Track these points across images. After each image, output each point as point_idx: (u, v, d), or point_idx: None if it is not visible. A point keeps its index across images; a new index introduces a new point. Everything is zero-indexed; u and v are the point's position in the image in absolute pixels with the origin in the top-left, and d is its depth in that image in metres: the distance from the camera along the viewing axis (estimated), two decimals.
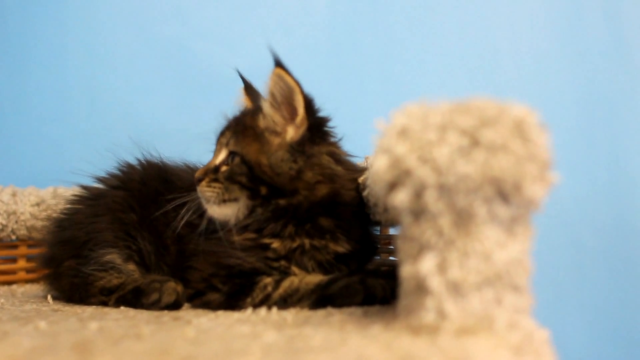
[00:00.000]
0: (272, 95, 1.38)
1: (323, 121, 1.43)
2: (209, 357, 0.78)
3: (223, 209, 1.41)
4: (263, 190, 1.37)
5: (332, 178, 1.38)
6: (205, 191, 1.41)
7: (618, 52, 2.32)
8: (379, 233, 1.56)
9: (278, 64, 1.34)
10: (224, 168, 1.42)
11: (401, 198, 0.84)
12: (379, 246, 1.53)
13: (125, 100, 2.49)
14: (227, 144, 1.44)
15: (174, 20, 2.52)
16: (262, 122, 1.40)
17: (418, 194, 0.83)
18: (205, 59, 2.46)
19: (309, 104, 1.38)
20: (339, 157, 1.43)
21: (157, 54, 2.51)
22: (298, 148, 1.37)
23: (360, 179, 1.43)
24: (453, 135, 0.82)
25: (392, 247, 1.58)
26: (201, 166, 1.63)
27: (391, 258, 1.59)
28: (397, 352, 0.77)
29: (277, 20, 2.51)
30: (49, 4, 2.51)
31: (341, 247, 1.38)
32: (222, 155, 1.44)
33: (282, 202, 1.37)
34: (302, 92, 1.36)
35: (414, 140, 0.84)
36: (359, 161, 1.51)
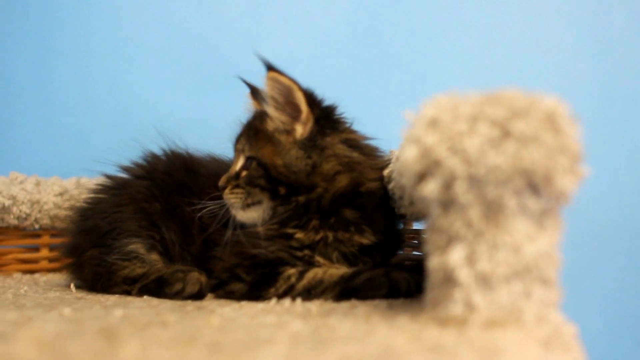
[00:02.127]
0: (273, 98, 1.39)
1: (330, 111, 1.44)
2: (236, 344, 0.77)
3: (248, 213, 1.42)
4: (282, 190, 1.38)
5: (351, 166, 1.38)
6: (230, 198, 1.42)
7: None
8: (403, 227, 1.55)
9: (270, 67, 1.35)
10: (244, 173, 1.43)
11: (431, 189, 0.84)
12: (403, 240, 1.53)
13: (148, 93, 2.49)
14: (242, 150, 1.46)
15: (196, 13, 2.51)
16: (270, 125, 1.41)
17: (448, 184, 0.83)
18: (227, 52, 2.46)
19: (310, 98, 1.38)
20: (355, 143, 1.43)
21: (180, 47, 2.51)
22: (309, 143, 1.38)
23: (386, 172, 1.42)
24: (484, 126, 0.82)
25: (416, 241, 1.58)
26: (226, 158, 1.63)
27: (415, 252, 1.59)
28: (425, 343, 0.76)
29: (298, 14, 2.51)
30: None
31: (366, 239, 1.38)
32: (241, 161, 1.46)
33: (301, 198, 1.37)
34: (300, 89, 1.36)
35: (444, 130, 0.83)
36: (379, 144, 1.51)
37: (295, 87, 1.35)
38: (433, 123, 0.85)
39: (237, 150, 1.48)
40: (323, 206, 1.37)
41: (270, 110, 1.40)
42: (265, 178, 1.39)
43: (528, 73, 2.32)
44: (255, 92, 1.58)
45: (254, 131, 1.44)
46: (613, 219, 2.23)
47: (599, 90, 2.28)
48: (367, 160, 1.42)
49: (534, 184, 0.81)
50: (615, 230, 2.24)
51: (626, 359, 2.18)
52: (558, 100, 0.84)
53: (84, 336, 0.82)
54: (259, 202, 1.41)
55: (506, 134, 0.81)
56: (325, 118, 1.41)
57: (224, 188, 1.44)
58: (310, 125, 1.38)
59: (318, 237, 1.37)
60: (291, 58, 2.44)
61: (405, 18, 2.46)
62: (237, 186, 1.42)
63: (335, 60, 2.45)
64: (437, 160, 0.82)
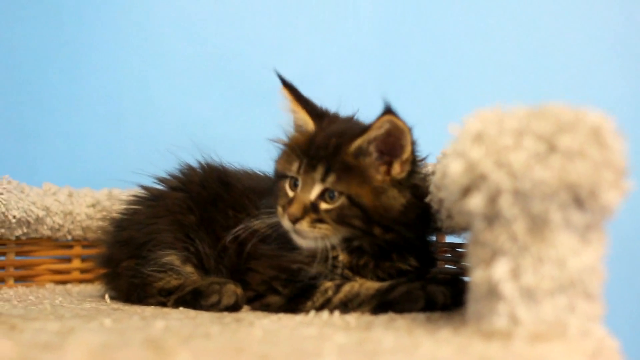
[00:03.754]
0: (377, 137, 1.32)
1: (416, 147, 1.39)
2: (284, 356, 0.78)
3: (318, 243, 1.36)
4: (377, 231, 1.34)
5: (422, 198, 1.35)
6: (309, 232, 1.34)
7: None
8: (436, 239, 1.55)
9: (389, 110, 1.28)
10: (324, 206, 1.34)
11: (476, 202, 0.84)
12: (437, 257, 1.53)
13: (179, 105, 2.51)
14: (322, 180, 1.35)
15: (227, 27, 2.53)
16: (367, 161, 1.34)
17: (493, 198, 0.83)
18: (257, 65, 2.47)
19: (413, 141, 1.34)
20: (424, 177, 1.40)
21: (210, 59, 2.53)
22: (405, 182, 1.35)
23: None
24: (529, 140, 0.82)
25: (449, 255, 1.58)
26: (260, 173, 1.63)
27: (447, 266, 1.59)
28: (471, 355, 0.77)
29: (325, 26, 2.52)
30: (106, 8, 2.55)
31: (406, 266, 1.39)
32: (316, 190, 1.35)
33: (389, 236, 1.35)
34: (409, 131, 1.31)
35: (489, 145, 0.84)
36: None
37: (407, 130, 1.31)
38: (478, 137, 0.86)
39: (309, 177, 1.36)
40: (400, 241, 1.37)
41: (371, 147, 1.33)
42: (361, 219, 1.33)
43: (558, 83, 2.31)
44: (293, 91, 1.49)
45: (341, 163, 1.34)
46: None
47: (631, 99, 2.28)
48: (426, 187, 1.38)
49: (579, 199, 0.82)
50: None
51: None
52: (603, 116, 0.84)
53: (131, 346, 0.83)
54: (337, 235, 1.36)
55: (552, 148, 0.81)
56: (415, 154, 1.38)
57: (298, 219, 1.34)
58: (408, 165, 1.35)
59: (361, 262, 1.37)
60: (318, 69, 2.45)
61: (432, 27, 2.47)
62: (319, 220, 1.34)
63: (363, 71, 2.46)
64: (483, 174, 0.83)
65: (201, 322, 1.15)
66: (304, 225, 1.34)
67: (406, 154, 1.33)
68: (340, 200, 1.33)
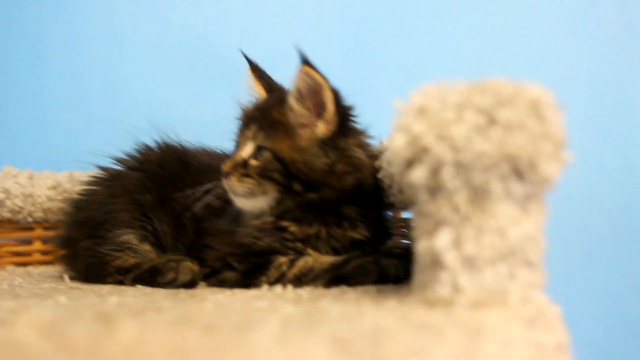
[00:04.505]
0: (299, 91, 1.36)
1: (350, 112, 1.43)
2: (230, 326, 0.79)
3: (252, 202, 1.40)
4: (296, 187, 1.37)
5: (359, 168, 1.38)
6: (237, 186, 1.39)
7: (630, 38, 2.32)
8: (392, 215, 1.57)
9: (305, 61, 1.33)
10: (253, 162, 1.40)
11: (418, 175, 0.86)
12: (392, 231, 1.55)
13: (140, 87, 2.50)
14: (253, 138, 1.42)
15: (189, 7, 2.53)
16: (291, 117, 1.38)
17: (435, 171, 0.85)
18: (221, 45, 2.47)
19: (337, 98, 1.37)
20: (364, 144, 1.44)
21: (172, 41, 2.51)
22: (330, 142, 1.37)
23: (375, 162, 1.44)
24: (470, 113, 0.84)
25: (404, 230, 1.60)
26: (218, 151, 1.64)
27: (403, 241, 1.61)
28: (412, 323, 0.79)
29: (291, 6, 2.52)
30: None
31: (359, 235, 1.41)
32: (249, 148, 1.42)
33: (312, 195, 1.37)
34: (330, 88, 1.35)
35: (431, 118, 0.86)
36: (372, 135, 1.51)
37: (326, 86, 1.34)
38: (421, 111, 0.87)
39: (244, 136, 1.44)
40: (327, 203, 1.38)
41: (294, 103, 1.37)
42: (281, 173, 1.37)
43: (518, 65, 2.33)
44: (256, 70, 1.56)
45: (270, 121, 1.40)
46: (602, 210, 2.26)
47: (588, 80, 2.30)
48: (371, 161, 1.43)
49: (519, 170, 0.83)
50: (604, 221, 2.26)
51: (613, 342, 2.21)
52: (542, 89, 0.86)
53: (81, 320, 0.84)
54: (265, 193, 1.39)
55: (492, 121, 0.83)
56: (346, 119, 1.40)
57: (228, 174, 1.40)
58: (333, 125, 1.37)
59: (312, 231, 1.39)
60: (284, 50, 2.44)
61: (397, 8, 2.47)
62: (246, 175, 1.39)
63: (328, 52, 2.45)
64: (425, 147, 0.84)
65: (156, 298, 1.16)
66: (232, 180, 1.40)
67: (329, 113, 1.36)
68: (266, 156, 1.38)
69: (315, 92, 1.35)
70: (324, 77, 1.34)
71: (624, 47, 2.32)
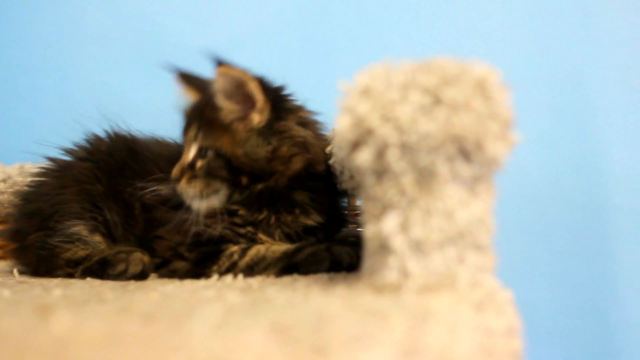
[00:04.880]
0: (224, 90, 1.36)
1: (282, 93, 1.42)
2: (170, 316, 0.78)
3: (206, 202, 1.39)
4: (244, 180, 1.37)
5: (306, 146, 1.38)
6: (187, 190, 1.39)
7: (585, 24, 2.33)
8: (347, 204, 1.56)
9: (219, 62, 1.32)
10: (199, 163, 1.39)
11: (364, 157, 0.84)
12: (346, 217, 1.54)
13: (91, 76, 2.47)
14: (195, 139, 1.41)
15: None
16: (224, 115, 1.38)
17: (380, 153, 0.83)
18: (174, 34, 2.45)
19: (263, 86, 1.36)
20: (306, 121, 1.43)
21: (123, 28, 2.48)
22: (267, 130, 1.36)
23: (327, 149, 1.43)
24: (415, 94, 0.82)
25: (359, 218, 1.59)
26: (170, 140, 1.62)
27: (359, 229, 1.60)
28: (358, 308, 0.77)
29: None
30: None
31: (311, 221, 1.40)
32: (193, 150, 1.42)
33: (259, 186, 1.37)
34: (252, 79, 1.34)
35: (376, 99, 0.84)
36: (325, 120, 1.50)
37: (247, 79, 1.33)
38: (365, 92, 0.85)
39: (188, 140, 1.44)
40: (277, 190, 1.37)
41: (223, 102, 1.36)
42: (226, 169, 1.37)
43: (470, 45, 2.33)
44: (184, 78, 1.55)
45: (206, 121, 1.40)
46: (560, 197, 2.26)
47: (545, 67, 2.30)
48: (317, 140, 1.42)
49: (466, 150, 0.82)
50: (563, 208, 2.27)
51: (570, 326, 2.22)
52: (488, 68, 0.85)
53: (19, 314, 0.82)
54: (217, 191, 1.38)
55: (437, 101, 0.82)
56: (279, 101, 1.40)
57: (178, 179, 1.40)
58: (266, 112, 1.36)
59: (261, 216, 1.38)
60: (238, 37, 2.43)
61: None
62: (194, 177, 1.39)
63: (283, 39, 2.44)
64: (370, 128, 0.83)
65: (102, 290, 1.14)
66: (182, 184, 1.39)
67: (259, 103, 1.35)
68: (209, 155, 1.37)
69: (239, 87, 1.34)
70: (242, 71, 1.33)
71: (578, 30, 2.32)
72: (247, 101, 1.36)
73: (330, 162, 1.37)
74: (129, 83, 2.43)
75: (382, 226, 0.85)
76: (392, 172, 0.84)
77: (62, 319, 0.73)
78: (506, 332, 0.82)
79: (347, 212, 1.55)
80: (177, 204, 1.41)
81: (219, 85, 1.35)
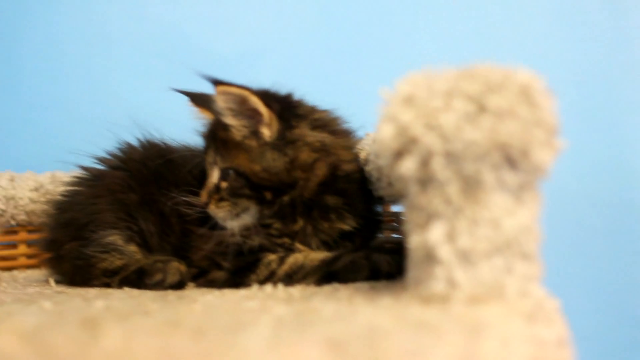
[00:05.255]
0: (229, 109, 1.36)
1: (288, 100, 1.43)
2: (219, 329, 0.77)
3: (239, 221, 1.39)
4: (268, 196, 1.37)
5: (325, 149, 1.38)
6: (217, 213, 1.40)
7: (617, 27, 2.31)
8: (381, 209, 1.56)
9: (216, 82, 1.32)
10: (223, 185, 1.40)
11: (408, 166, 0.83)
12: (382, 222, 1.53)
13: (120, 84, 2.47)
14: (215, 162, 1.43)
15: (167, 2, 2.50)
16: (235, 134, 1.38)
17: (425, 162, 0.83)
18: (199, 41, 2.46)
19: (265, 98, 1.36)
20: (321, 122, 1.43)
21: (151, 37, 2.49)
22: (280, 141, 1.36)
23: (362, 155, 1.42)
24: (459, 101, 0.82)
25: (395, 224, 1.59)
26: (201, 148, 1.63)
27: (394, 235, 1.59)
28: (409, 321, 0.76)
29: (270, 1, 2.51)
30: None
31: (347, 225, 1.39)
32: (216, 173, 1.43)
33: (285, 198, 1.37)
34: (253, 93, 1.34)
35: (419, 107, 0.83)
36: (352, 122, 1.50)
37: (248, 94, 1.33)
38: (408, 100, 0.85)
39: (209, 164, 1.45)
40: (306, 198, 1.37)
41: (231, 120, 1.37)
42: (248, 187, 1.37)
43: (501, 51, 2.32)
44: (195, 99, 1.56)
45: (221, 142, 1.41)
46: (593, 200, 2.25)
47: (576, 70, 2.29)
48: (337, 139, 1.42)
49: (511, 158, 0.81)
50: (596, 211, 2.25)
51: (608, 335, 2.20)
52: (532, 74, 0.84)
53: (65, 327, 0.81)
54: (247, 209, 1.39)
55: (482, 108, 0.81)
56: (287, 109, 1.39)
57: (207, 204, 1.41)
58: (275, 124, 1.36)
59: (297, 226, 1.38)
60: (262, 43, 2.43)
61: (378, 3, 2.46)
62: (221, 199, 1.40)
63: (309, 48, 2.45)
64: (414, 137, 0.82)
65: (143, 300, 1.14)
66: (211, 208, 1.40)
67: (265, 116, 1.35)
68: (231, 175, 1.38)
69: (242, 103, 1.35)
70: (242, 87, 1.33)
71: (611, 34, 2.31)
72: (255, 115, 1.36)
73: (367, 169, 1.37)
74: (158, 91, 2.43)
75: (427, 236, 0.84)
76: (437, 180, 0.83)
77: (112, 334, 0.73)
78: (557, 342, 0.81)
79: (382, 217, 1.55)
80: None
81: (222, 104, 1.36)
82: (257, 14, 2.49)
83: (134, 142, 1.66)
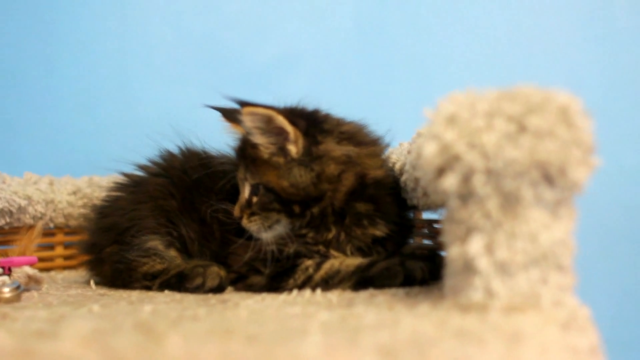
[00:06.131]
0: (257, 128, 1.39)
1: (314, 117, 1.46)
2: (271, 334, 0.81)
3: (271, 233, 1.43)
4: (296, 209, 1.40)
5: (351, 160, 1.40)
6: (250, 226, 1.43)
7: None
8: (413, 216, 1.59)
9: (242, 104, 1.36)
10: (255, 199, 1.44)
11: (450, 182, 0.88)
12: (414, 227, 1.56)
13: (158, 92, 2.52)
14: (245, 179, 1.46)
15: (204, 11, 2.53)
16: (263, 152, 1.41)
17: (466, 178, 0.87)
18: (235, 49, 2.48)
19: (291, 117, 1.39)
20: (346, 135, 1.45)
21: (187, 44, 2.53)
22: (307, 157, 1.39)
23: (397, 166, 1.46)
24: (500, 121, 0.86)
25: (426, 230, 1.62)
26: None
27: (425, 241, 1.63)
28: (450, 329, 0.80)
29: (305, 10, 2.53)
30: None
31: (379, 231, 1.42)
32: (247, 189, 1.46)
33: (315, 210, 1.40)
34: (279, 113, 1.37)
35: (462, 126, 0.88)
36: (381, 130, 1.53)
37: (273, 114, 1.36)
38: (451, 119, 0.89)
39: (240, 179, 1.49)
40: (336, 208, 1.40)
41: (258, 139, 1.40)
42: (277, 201, 1.40)
43: (533, 68, 2.34)
44: (227, 114, 1.58)
45: (250, 159, 1.45)
46: (618, 206, 2.26)
47: (603, 76, 2.31)
48: (362, 149, 1.44)
49: (549, 176, 0.85)
50: (621, 217, 2.26)
51: (631, 335, 2.21)
52: (571, 96, 0.88)
53: (122, 331, 0.85)
54: (278, 221, 1.42)
55: (522, 128, 0.85)
56: (313, 126, 1.42)
57: (240, 218, 1.45)
58: (301, 141, 1.39)
59: (330, 235, 1.41)
60: (297, 53, 2.46)
61: (412, 13, 2.48)
62: (252, 214, 1.43)
63: (341, 56, 2.47)
64: (456, 155, 0.86)
65: (187, 304, 1.18)
66: (244, 222, 1.44)
67: (291, 134, 1.38)
68: (261, 191, 1.42)
69: (269, 122, 1.38)
70: (268, 107, 1.37)
71: (636, 42, 2.32)
72: (281, 133, 1.39)
73: (402, 179, 1.40)
74: (192, 99, 2.47)
75: (467, 248, 0.89)
76: (477, 196, 0.87)
77: (173, 341, 0.77)
78: (590, 350, 0.85)
79: (413, 222, 1.57)
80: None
81: (249, 124, 1.39)
82: (291, 23, 2.52)
83: (175, 150, 1.70)
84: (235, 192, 1.51)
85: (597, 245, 2.24)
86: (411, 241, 1.57)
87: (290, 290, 1.32)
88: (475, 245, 0.88)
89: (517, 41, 2.39)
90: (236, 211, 1.47)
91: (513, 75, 2.28)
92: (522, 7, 2.40)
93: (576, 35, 2.35)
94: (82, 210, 2.06)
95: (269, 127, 1.39)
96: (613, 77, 2.31)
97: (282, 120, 1.36)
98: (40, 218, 2.02)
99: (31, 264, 1.55)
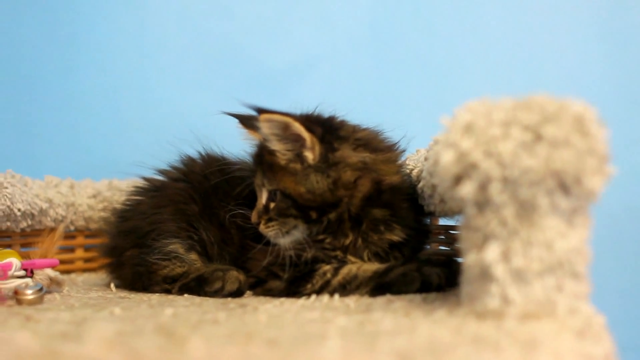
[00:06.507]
0: (274, 134, 1.40)
1: (330, 123, 1.47)
2: (291, 340, 0.83)
3: (289, 238, 1.44)
4: (313, 215, 1.42)
5: (367, 167, 1.41)
6: (267, 232, 1.45)
7: None
8: (430, 223, 1.59)
9: (260, 111, 1.37)
10: (272, 205, 1.45)
11: (467, 190, 0.89)
12: (430, 232, 1.57)
13: (177, 96, 2.54)
14: (263, 185, 1.48)
15: (221, 16, 2.55)
16: (281, 158, 1.43)
17: (483, 186, 0.88)
18: (252, 55, 2.50)
19: (308, 124, 1.40)
20: (362, 142, 1.46)
21: (204, 48, 2.55)
22: (323, 164, 1.40)
23: (414, 172, 1.47)
24: (516, 130, 0.87)
25: (442, 236, 1.63)
26: None
27: (441, 247, 1.64)
28: (467, 335, 0.82)
29: (320, 14, 2.54)
30: (102, 1, 2.58)
31: (396, 236, 1.43)
32: (265, 195, 1.48)
33: (331, 216, 1.41)
34: (296, 119, 1.38)
35: (479, 135, 0.89)
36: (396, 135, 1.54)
37: (290, 121, 1.37)
38: (468, 128, 0.90)
39: (257, 185, 1.51)
40: (353, 213, 1.41)
41: (275, 145, 1.41)
42: (294, 207, 1.42)
43: (548, 73, 2.34)
44: (244, 121, 1.59)
45: (267, 165, 1.46)
46: (630, 211, 2.26)
47: (614, 85, 2.31)
48: (378, 156, 1.45)
49: (565, 184, 0.87)
50: (633, 222, 2.26)
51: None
52: (586, 105, 0.89)
53: (144, 334, 0.87)
54: (295, 227, 1.43)
55: (538, 137, 0.86)
56: (329, 132, 1.43)
57: (258, 224, 1.46)
58: (317, 147, 1.40)
59: (348, 240, 1.42)
60: (313, 57, 2.48)
61: (427, 18, 2.49)
62: (270, 219, 1.45)
63: (357, 61, 2.48)
64: (473, 163, 0.88)
65: (207, 308, 1.20)
66: (262, 227, 1.45)
67: (307, 141, 1.39)
68: (278, 197, 1.43)
69: (286, 129, 1.39)
70: (284, 114, 1.38)
71: None
72: (298, 139, 1.40)
73: (419, 185, 1.41)
74: (210, 103, 2.48)
75: (483, 255, 0.90)
76: (493, 204, 0.89)
77: (195, 344, 0.78)
78: (604, 358, 0.86)
79: (430, 228, 1.58)
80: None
81: (267, 131, 1.40)
82: (307, 28, 2.54)
83: (193, 154, 1.72)
84: (253, 198, 1.52)
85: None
86: (428, 247, 1.58)
87: (309, 295, 1.34)
88: (492, 253, 0.89)
89: (533, 48, 2.39)
90: (254, 217, 1.48)
91: (528, 81, 2.29)
92: (537, 13, 2.41)
93: (590, 41, 2.35)
94: (102, 214, 2.08)
95: (286, 134, 1.40)
96: (624, 85, 2.30)
97: (298, 127, 1.38)
98: (61, 221, 2.04)
99: (53, 267, 1.56)
